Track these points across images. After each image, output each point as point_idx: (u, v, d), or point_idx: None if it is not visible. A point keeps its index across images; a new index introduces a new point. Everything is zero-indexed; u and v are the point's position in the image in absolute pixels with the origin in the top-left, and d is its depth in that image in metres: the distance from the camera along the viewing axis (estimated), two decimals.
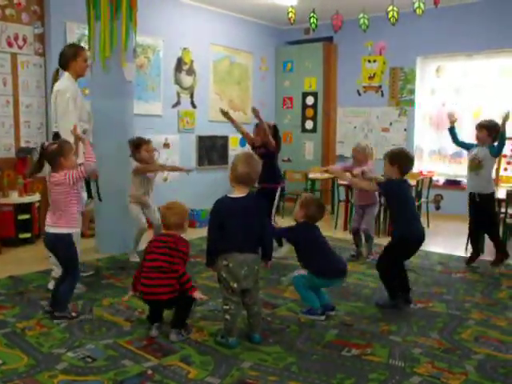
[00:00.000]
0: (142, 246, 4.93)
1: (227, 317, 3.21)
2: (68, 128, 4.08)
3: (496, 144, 5.01)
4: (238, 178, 3.21)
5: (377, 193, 5.36)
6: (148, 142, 5.23)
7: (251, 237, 3.20)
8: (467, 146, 5.37)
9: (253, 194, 3.33)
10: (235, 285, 3.15)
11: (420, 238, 3.97)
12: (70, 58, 4.41)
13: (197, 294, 3.29)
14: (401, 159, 3.96)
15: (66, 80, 4.40)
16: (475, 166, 5.11)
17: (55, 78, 4.50)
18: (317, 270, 3.69)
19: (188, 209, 3.57)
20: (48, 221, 3.65)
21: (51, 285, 4.15)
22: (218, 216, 3.24)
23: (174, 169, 6.06)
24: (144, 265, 3.36)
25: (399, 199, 3.98)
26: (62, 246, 3.63)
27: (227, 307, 3.21)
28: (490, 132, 5.02)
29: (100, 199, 4.68)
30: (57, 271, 4.11)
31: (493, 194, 5.17)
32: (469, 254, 5.41)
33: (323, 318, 3.70)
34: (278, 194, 5.50)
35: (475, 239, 5.35)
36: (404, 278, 4.04)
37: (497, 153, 5.10)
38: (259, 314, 3.34)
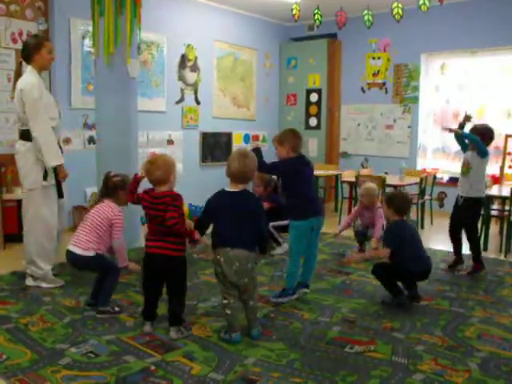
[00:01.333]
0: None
1: (228, 311, 3.22)
2: (42, 130, 3.99)
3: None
4: (232, 174, 3.24)
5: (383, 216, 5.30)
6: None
7: (243, 232, 3.17)
8: (464, 147, 5.11)
9: (247, 190, 3.33)
10: (227, 279, 3.18)
11: (426, 272, 4.03)
12: (32, 49, 4.11)
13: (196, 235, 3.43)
14: (396, 202, 4.07)
15: (29, 75, 4.08)
16: (464, 169, 4.94)
17: (18, 73, 4.23)
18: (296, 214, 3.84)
19: (173, 161, 3.41)
20: (74, 240, 3.69)
21: (29, 281, 4.22)
22: (210, 206, 3.29)
23: None
24: (149, 224, 3.35)
25: (402, 240, 3.95)
26: (86, 266, 3.75)
27: (226, 301, 3.22)
28: (481, 137, 4.83)
29: (61, 196, 4.65)
30: (32, 269, 4.18)
31: (478, 199, 4.90)
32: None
33: (294, 297, 3.91)
34: None
35: (457, 245, 5.07)
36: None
37: (482, 153, 4.83)
38: (255, 308, 3.34)
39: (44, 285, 4.19)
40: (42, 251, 4.22)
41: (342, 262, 4.96)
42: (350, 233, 6.37)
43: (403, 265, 3.90)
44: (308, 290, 4.08)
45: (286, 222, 4.82)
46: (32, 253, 4.20)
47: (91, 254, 3.64)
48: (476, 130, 4.94)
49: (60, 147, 4.26)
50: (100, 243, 3.68)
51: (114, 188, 3.77)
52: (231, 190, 3.26)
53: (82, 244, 3.64)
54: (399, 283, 4.04)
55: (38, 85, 4.04)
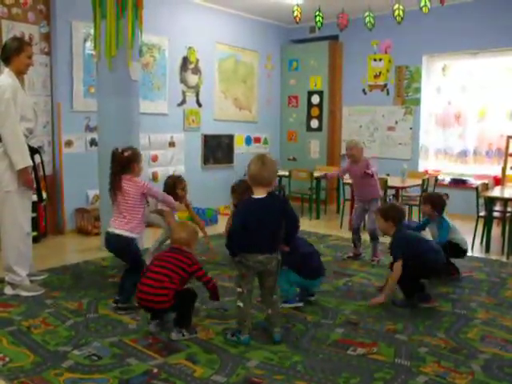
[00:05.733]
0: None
1: (240, 303, 3.23)
2: (11, 131, 3.90)
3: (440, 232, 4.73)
4: (251, 178, 3.24)
5: (379, 187, 5.39)
6: (182, 179, 5.03)
7: (270, 237, 3.21)
8: (424, 226, 5.01)
9: (273, 194, 3.31)
10: (252, 272, 3.24)
11: (440, 269, 4.13)
12: (13, 52, 4.03)
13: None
14: (392, 214, 4.12)
15: (5, 77, 4.00)
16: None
17: None
18: (296, 267, 3.82)
19: (198, 233, 3.63)
20: (112, 223, 3.81)
21: (8, 290, 4.13)
22: (240, 216, 3.28)
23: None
24: (149, 270, 3.39)
25: (414, 249, 4.01)
26: (124, 249, 3.81)
27: (240, 290, 3.24)
28: (435, 205, 4.77)
29: (42, 200, 4.63)
30: (10, 276, 4.11)
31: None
32: (475, 253, 5.38)
33: (301, 304, 3.89)
34: None
35: None
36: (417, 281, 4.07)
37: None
38: (277, 302, 3.34)
39: (24, 293, 4.08)
40: (20, 257, 4.12)
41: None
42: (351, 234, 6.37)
43: (419, 262, 3.93)
44: (313, 298, 4.06)
45: None
46: (9, 259, 4.10)
47: (134, 235, 3.78)
48: (427, 199, 4.91)
49: (36, 149, 4.25)
50: (141, 221, 3.80)
51: (128, 162, 3.83)
52: (256, 197, 3.24)
53: (125, 226, 3.76)
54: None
55: (11, 86, 3.96)
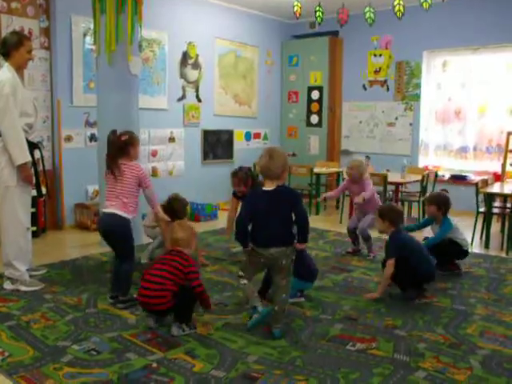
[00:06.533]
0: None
1: (244, 281, 3.32)
2: (10, 126, 3.89)
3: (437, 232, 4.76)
4: (260, 171, 3.29)
5: (378, 202, 5.34)
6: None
7: (280, 230, 3.22)
8: (424, 226, 5.07)
9: (283, 187, 3.30)
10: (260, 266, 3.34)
11: (431, 278, 4.17)
12: (12, 46, 4.00)
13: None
14: (389, 214, 4.13)
15: (4, 72, 3.97)
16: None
17: None
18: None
19: (197, 233, 3.63)
20: (109, 206, 3.73)
21: (7, 285, 4.13)
22: (246, 206, 3.35)
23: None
24: (148, 273, 3.38)
25: (410, 250, 4.06)
26: (118, 229, 3.72)
27: (242, 274, 3.33)
28: (440, 207, 4.72)
29: (42, 195, 4.65)
30: (10, 271, 4.11)
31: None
32: (475, 249, 5.38)
33: (303, 299, 3.95)
34: None
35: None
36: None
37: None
38: (286, 303, 3.34)
39: (23, 288, 4.09)
40: (19, 252, 4.12)
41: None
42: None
43: (412, 271, 3.99)
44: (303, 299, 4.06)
45: None
46: (9, 254, 4.09)
47: (129, 216, 3.72)
48: (433, 200, 4.82)
49: (36, 144, 4.26)
50: (136, 205, 3.74)
51: (125, 146, 3.79)
52: (265, 189, 3.26)
53: (122, 208, 3.70)
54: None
55: (11, 81, 3.93)
